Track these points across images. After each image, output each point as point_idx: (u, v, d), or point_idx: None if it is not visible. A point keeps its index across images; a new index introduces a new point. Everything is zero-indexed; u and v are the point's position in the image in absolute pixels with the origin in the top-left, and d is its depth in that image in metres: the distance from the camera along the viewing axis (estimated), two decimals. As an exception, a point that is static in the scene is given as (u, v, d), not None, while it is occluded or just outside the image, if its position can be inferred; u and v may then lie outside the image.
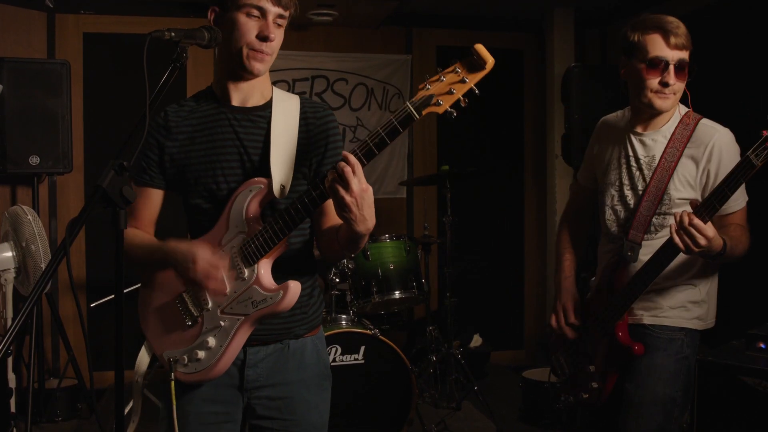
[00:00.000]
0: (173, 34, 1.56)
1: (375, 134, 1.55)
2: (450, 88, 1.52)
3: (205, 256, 1.70)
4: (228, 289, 1.74)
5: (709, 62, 4.32)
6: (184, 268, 1.71)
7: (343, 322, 3.70)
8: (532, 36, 5.66)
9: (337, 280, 3.85)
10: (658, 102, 2.10)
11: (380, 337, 3.56)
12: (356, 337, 3.55)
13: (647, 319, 2.18)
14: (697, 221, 1.86)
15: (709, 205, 1.90)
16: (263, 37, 1.73)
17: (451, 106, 1.53)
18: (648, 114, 2.18)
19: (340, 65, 5.39)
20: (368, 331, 3.56)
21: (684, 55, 2.07)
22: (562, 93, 4.76)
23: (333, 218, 1.79)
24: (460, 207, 4.77)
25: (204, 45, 1.66)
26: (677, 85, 2.09)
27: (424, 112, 1.53)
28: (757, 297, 3.72)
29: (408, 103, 1.53)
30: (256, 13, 1.72)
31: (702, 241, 1.86)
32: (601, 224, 2.32)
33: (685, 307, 2.18)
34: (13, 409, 3.47)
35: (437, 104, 1.52)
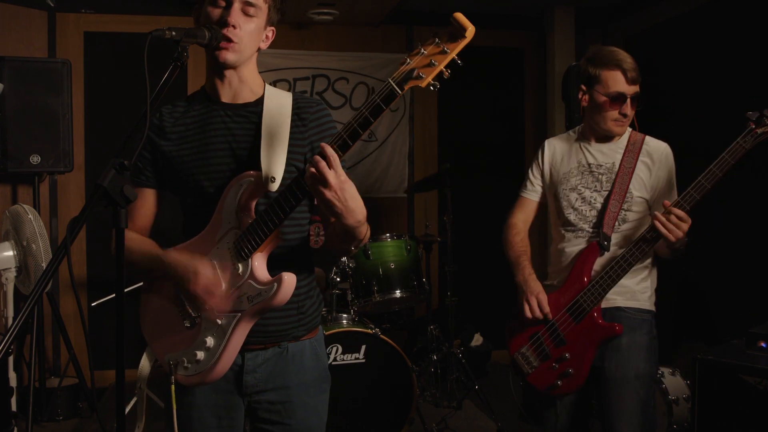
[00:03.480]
0: (174, 33, 1.56)
1: (359, 114, 1.52)
2: (431, 60, 1.47)
3: (206, 272, 1.69)
4: (224, 286, 1.72)
5: (704, 60, 4.34)
6: (185, 281, 1.70)
7: (344, 321, 3.70)
8: (533, 34, 5.66)
9: (338, 279, 3.85)
10: (616, 129, 2.44)
11: (381, 336, 3.56)
12: (357, 336, 3.55)
13: (621, 302, 2.42)
14: (677, 211, 2.19)
15: (699, 186, 2.20)
16: (223, 23, 1.71)
17: (434, 79, 1.49)
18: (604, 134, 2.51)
19: (340, 64, 5.39)
20: (369, 331, 3.57)
21: (637, 88, 2.40)
22: (562, 91, 4.75)
23: None
24: (460, 206, 4.77)
25: (204, 44, 1.67)
26: (631, 113, 2.42)
27: (406, 87, 1.49)
28: (758, 296, 3.72)
29: (390, 80, 1.49)
30: (222, 3, 1.72)
31: (685, 227, 2.19)
32: (561, 227, 2.54)
33: (649, 292, 2.47)
34: (14, 407, 3.47)
35: (419, 77, 1.48)
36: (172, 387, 1.77)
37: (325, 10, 4.89)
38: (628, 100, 2.38)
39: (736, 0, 4.15)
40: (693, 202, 2.20)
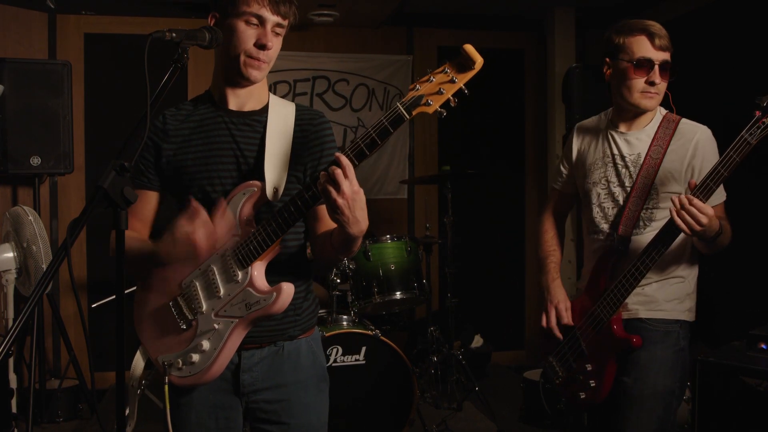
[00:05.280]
0: (174, 34, 1.57)
1: (366, 135, 1.57)
2: (439, 88, 1.53)
3: (196, 229, 1.65)
4: (222, 292, 1.74)
5: (706, 61, 4.34)
6: (186, 249, 1.67)
7: (344, 323, 3.69)
8: (533, 35, 5.66)
9: (338, 280, 3.85)
10: (644, 102, 2.19)
11: (381, 337, 3.55)
12: (357, 337, 3.55)
13: (643, 312, 2.21)
14: (696, 201, 1.94)
15: (705, 187, 1.98)
16: (261, 45, 1.75)
17: (441, 106, 1.54)
18: (632, 114, 2.26)
19: (341, 66, 5.39)
20: (369, 332, 3.56)
21: (667, 56, 2.17)
22: (563, 93, 4.75)
23: (327, 223, 1.81)
24: (460, 207, 4.76)
25: (205, 46, 1.67)
26: (661, 85, 2.18)
27: (414, 113, 1.55)
28: (758, 297, 3.72)
29: (398, 104, 1.54)
30: (254, 21, 1.74)
31: (703, 219, 1.93)
32: (587, 224, 2.36)
33: (679, 299, 2.23)
34: (14, 409, 3.47)
35: (427, 104, 1.53)
36: (166, 387, 1.78)
37: (326, 12, 4.89)
38: (656, 67, 2.14)
39: (732, 3, 4.15)
40: (710, 192, 2.00)
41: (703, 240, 2.06)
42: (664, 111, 2.27)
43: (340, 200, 1.54)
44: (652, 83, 2.15)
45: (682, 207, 1.94)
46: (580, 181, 2.38)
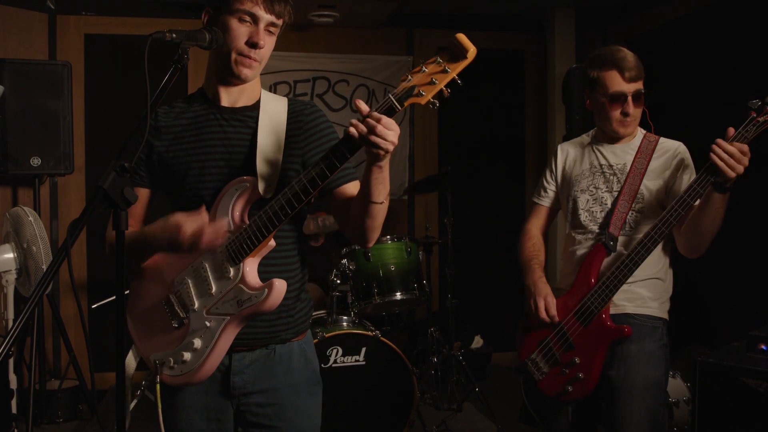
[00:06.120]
0: (174, 35, 1.57)
1: None
2: (432, 79, 1.49)
3: (187, 220, 1.65)
4: (214, 289, 1.73)
5: (704, 63, 4.34)
6: (173, 238, 1.66)
7: (345, 324, 3.69)
8: (534, 36, 5.66)
9: (338, 281, 3.85)
10: (621, 130, 2.40)
11: (381, 338, 3.55)
12: (357, 338, 3.55)
13: (631, 308, 2.36)
14: (738, 145, 2.03)
15: (701, 180, 2.14)
16: (252, 44, 1.73)
17: (433, 97, 1.51)
18: (614, 138, 2.46)
19: (341, 66, 5.39)
20: (369, 333, 3.56)
21: (638, 85, 2.35)
22: (563, 93, 4.75)
23: (346, 192, 1.80)
24: (461, 208, 4.76)
25: (205, 46, 1.67)
26: (636, 112, 2.37)
27: (405, 104, 1.52)
28: (758, 298, 3.72)
29: (390, 96, 1.52)
30: (247, 18, 1.73)
31: (746, 161, 2.03)
32: (573, 228, 2.51)
33: (661, 299, 2.40)
34: (14, 410, 3.47)
35: (419, 95, 1.50)
36: (158, 386, 1.78)
37: (326, 12, 4.90)
38: (629, 99, 2.33)
39: (736, 2, 4.15)
40: (697, 197, 2.15)
41: (725, 184, 2.09)
42: (644, 131, 2.46)
43: (378, 128, 1.50)
44: (626, 114, 2.35)
45: (724, 150, 2.03)
46: (567, 192, 2.52)
